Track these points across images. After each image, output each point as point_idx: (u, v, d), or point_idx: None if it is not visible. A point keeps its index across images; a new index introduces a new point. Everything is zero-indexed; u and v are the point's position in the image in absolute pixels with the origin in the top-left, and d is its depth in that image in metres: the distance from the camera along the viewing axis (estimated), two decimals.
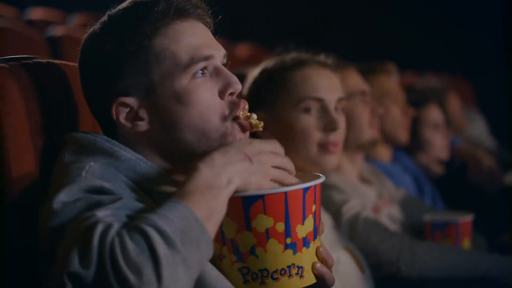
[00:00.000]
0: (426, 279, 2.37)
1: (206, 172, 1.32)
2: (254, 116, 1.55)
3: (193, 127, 1.48)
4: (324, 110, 2.17)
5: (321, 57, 2.27)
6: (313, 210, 1.42)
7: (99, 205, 1.30)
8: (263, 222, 1.37)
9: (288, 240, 1.39)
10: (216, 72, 1.52)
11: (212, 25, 1.59)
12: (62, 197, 1.32)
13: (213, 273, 1.40)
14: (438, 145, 3.64)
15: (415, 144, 3.57)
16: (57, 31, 3.16)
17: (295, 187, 1.39)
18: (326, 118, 2.17)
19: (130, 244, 1.19)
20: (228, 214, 1.35)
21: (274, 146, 1.44)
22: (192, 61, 1.49)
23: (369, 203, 2.65)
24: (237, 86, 1.52)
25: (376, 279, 2.32)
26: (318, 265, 1.45)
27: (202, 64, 1.49)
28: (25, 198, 1.50)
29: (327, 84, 2.21)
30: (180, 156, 1.52)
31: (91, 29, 1.55)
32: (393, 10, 6.48)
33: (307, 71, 2.21)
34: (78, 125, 1.65)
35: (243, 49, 4.98)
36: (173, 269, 1.20)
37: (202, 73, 1.50)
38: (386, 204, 2.78)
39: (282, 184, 1.41)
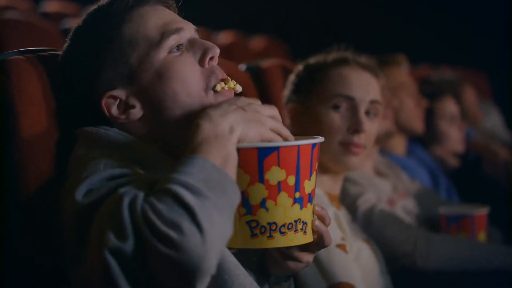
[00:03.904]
0: (442, 271, 2.37)
1: (206, 125, 1.34)
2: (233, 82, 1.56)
3: (180, 103, 1.49)
4: (353, 110, 2.16)
5: (363, 59, 2.27)
6: (316, 167, 1.44)
7: (119, 187, 1.32)
8: (276, 174, 1.38)
9: (297, 195, 1.40)
10: (191, 43, 1.54)
11: (174, 7, 1.61)
12: (84, 188, 1.34)
13: (231, 259, 1.43)
14: (454, 137, 3.63)
15: (430, 136, 3.55)
16: (73, 23, 3.17)
17: (306, 141, 1.41)
18: (353, 118, 2.15)
19: (160, 206, 1.20)
20: (241, 165, 1.36)
21: (268, 107, 1.45)
22: (164, 36, 1.50)
23: (384, 196, 2.65)
24: (216, 50, 1.53)
25: (391, 271, 2.32)
26: (317, 222, 1.46)
27: (174, 37, 1.51)
28: (41, 191, 1.51)
29: (362, 85, 2.20)
30: (176, 137, 1.52)
31: (68, 37, 1.59)
32: (408, 2, 6.45)
33: (345, 70, 2.21)
34: (95, 118, 1.66)
35: (258, 42, 4.98)
36: (208, 215, 1.21)
37: (178, 49, 1.52)
38: (401, 197, 2.77)
39: (279, 133, 1.43)
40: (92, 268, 1.26)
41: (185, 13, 1.61)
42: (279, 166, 1.38)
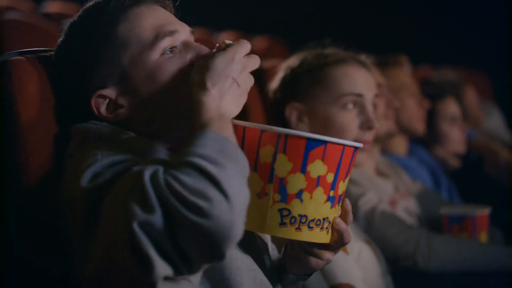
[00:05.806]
0: (443, 272, 2.37)
1: (210, 104, 1.34)
2: None
3: (169, 106, 1.49)
4: (361, 107, 2.18)
5: (361, 57, 2.29)
6: (351, 172, 1.47)
7: (126, 170, 1.33)
8: (318, 168, 1.40)
9: (331, 193, 1.42)
10: (185, 46, 1.52)
11: (171, 7, 1.60)
12: (89, 174, 1.35)
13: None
14: (455, 138, 3.63)
15: (431, 137, 3.56)
16: None
17: (352, 143, 1.43)
18: (364, 116, 2.18)
19: (183, 177, 1.21)
20: (286, 152, 1.37)
21: (247, 47, 1.45)
22: (157, 38, 1.50)
23: (385, 197, 2.65)
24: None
25: (393, 272, 2.32)
26: (338, 220, 1.46)
27: (168, 40, 1.50)
28: (42, 191, 1.51)
29: (366, 82, 2.23)
30: (164, 136, 1.52)
31: (63, 32, 1.59)
32: (409, 3, 6.46)
33: (348, 68, 2.23)
34: (89, 115, 1.66)
35: (259, 42, 4.97)
36: (231, 183, 1.22)
37: (171, 51, 1.51)
38: (403, 197, 2.77)
39: None
40: (113, 244, 1.26)
41: (184, 15, 1.60)
42: (322, 160, 1.39)
